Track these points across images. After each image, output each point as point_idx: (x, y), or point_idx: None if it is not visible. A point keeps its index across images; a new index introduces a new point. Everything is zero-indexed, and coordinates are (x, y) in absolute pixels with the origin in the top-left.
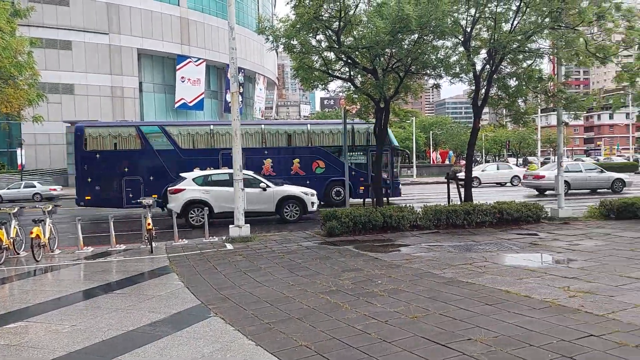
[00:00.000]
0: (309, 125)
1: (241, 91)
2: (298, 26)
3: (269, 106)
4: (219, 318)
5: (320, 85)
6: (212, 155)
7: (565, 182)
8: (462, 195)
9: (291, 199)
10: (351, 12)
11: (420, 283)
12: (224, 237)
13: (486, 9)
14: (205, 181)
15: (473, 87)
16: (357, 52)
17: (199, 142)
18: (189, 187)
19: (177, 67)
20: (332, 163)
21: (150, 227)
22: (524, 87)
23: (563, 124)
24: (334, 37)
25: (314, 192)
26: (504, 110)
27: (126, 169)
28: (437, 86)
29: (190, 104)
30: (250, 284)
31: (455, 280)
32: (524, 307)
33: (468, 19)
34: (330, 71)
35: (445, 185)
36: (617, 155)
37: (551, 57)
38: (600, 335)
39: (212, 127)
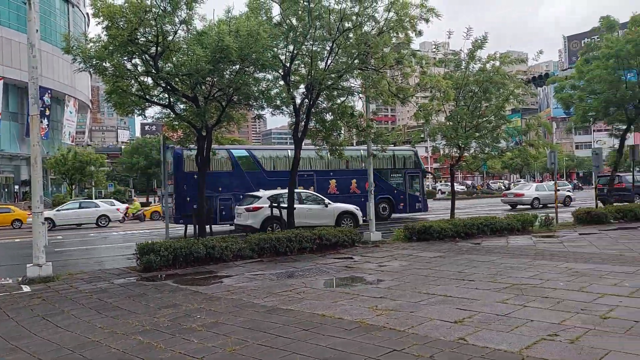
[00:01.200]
0: (361, 150)
1: (47, 114)
2: (111, 48)
3: (80, 130)
4: None
5: (137, 111)
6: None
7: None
8: (285, 223)
9: (347, 214)
10: (170, 38)
11: (240, 314)
12: (19, 278)
13: (303, 46)
14: (277, 200)
15: (294, 119)
16: (177, 79)
17: (278, 165)
18: (265, 205)
19: None
20: (379, 183)
21: None
22: (339, 122)
23: (372, 156)
24: (151, 62)
25: (359, 208)
26: (323, 142)
27: (220, 189)
28: (260, 117)
29: None
30: (50, 330)
31: (275, 309)
32: (338, 329)
33: (287, 54)
34: (148, 97)
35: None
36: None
37: (361, 95)
38: (401, 350)
39: (289, 152)
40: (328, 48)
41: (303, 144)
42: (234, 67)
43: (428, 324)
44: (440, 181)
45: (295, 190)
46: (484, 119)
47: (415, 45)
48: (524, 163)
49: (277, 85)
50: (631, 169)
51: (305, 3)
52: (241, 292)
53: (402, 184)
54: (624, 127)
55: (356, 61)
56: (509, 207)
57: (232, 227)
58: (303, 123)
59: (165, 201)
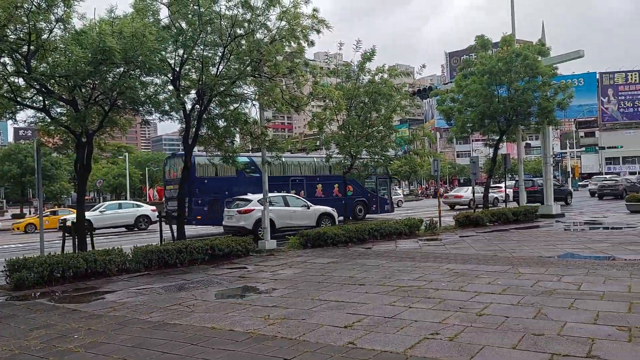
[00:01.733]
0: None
1: None
2: None
3: None
4: None
5: (7, 115)
6: (285, 181)
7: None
8: (175, 233)
9: (326, 215)
10: (45, 37)
11: (123, 332)
12: None
13: (194, 51)
14: (270, 202)
15: (184, 126)
16: (53, 81)
17: (275, 171)
18: (256, 207)
19: None
20: (357, 188)
21: None
22: (232, 129)
23: (266, 163)
24: (23, 62)
25: (335, 209)
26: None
27: (226, 192)
28: (147, 122)
29: None
30: None
31: (162, 324)
32: (228, 342)
33: (177, 58)
34: (19, 99)
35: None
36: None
37: (254, 102)
38: (292, 358)
39: (283, 159)
40: (220, 54)
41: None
42: (118, 70)
43: (319, 330)
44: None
45: (281, 194)
46: (374, 128)
47: (310, 55)
48: (411, 170)
49: (166, 90)
50: (505, 175)
51: (195, 7)
52: (125, 308)
53: (374, 188)
54: (497, 137)
55: (249, 68)
56: (448, 207)
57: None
58: (194, 129)
59: (40, 213)
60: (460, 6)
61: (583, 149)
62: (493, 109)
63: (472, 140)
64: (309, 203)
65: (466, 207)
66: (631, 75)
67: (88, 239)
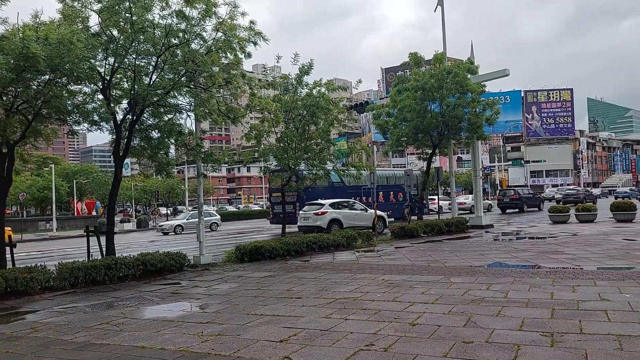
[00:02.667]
0: (394, 171)
1: None
2: None
3: None
4: None
5: None
6: (357, 189)
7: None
8: (104, 249)
9: (380, 218)
10: None
11: (46, 354)
12: None
13: (126, 59)
14: (335, 206)
15: (115, 137)
16: None
17: (351, 181)
18: (329, 210)
19: None
20: (405, 195)
21: None
22: (166, 140)
23: (202, 176)
24: None
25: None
26: (150, 161)
27: (322, 198)
28: (73, 133)
29: None
30: None
31: (88, 344)
32: None
33: (107, 67)
34: None
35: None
36: (254, 204)
37: (189, 113)
38: None
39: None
40: (153, 63)
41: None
42: (43, 78)
43: (255, 345)
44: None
45: (346, 200)
46: (312, 141)
47: (247, 66)
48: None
49: (96, 100)
50: (439, 188)
51: (127, 15)
52: (48, 328)
53: (416, 195)
54: (430, 151)
55: (184, 78)
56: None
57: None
58: (126, 140)
59: None
60: (395, 24)
61: (510, 162)
62: (426, 123)
63: (408, 154)
64: (366, 207)
65: (468, 211)
66: (553, 93)
67: (8, 255)
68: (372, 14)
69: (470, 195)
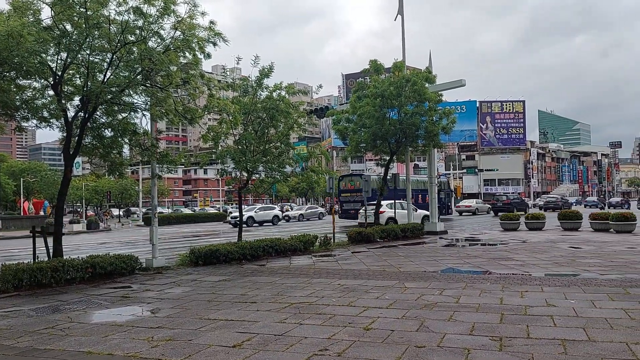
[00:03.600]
0: (425, 177)
1: None
2: None
3: None
4: None
5: None
6: (415, 192)
7: None
8: (51, 250)
9: (425, 216)
10: None
11: None
12: None
13: (79, 55)
14: (391, 207)
15: (65, 134)
16: None
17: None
18: (387, 210)
19: None
20: (442, 197)
21: None
22: (120, 139)
23: (157, 177)
24: None
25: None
26: (102, 161)
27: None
28: (22, 129)
29: None
30: None
31: (31, 349)
32: None
33: (59, 62)
34: None
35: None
36: (211, 206)
37: (145, 112)
38: None
39: (412, 177)
40: (108, 60)
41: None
42: None
43: (207, 350)
44: (232, 204)
45: (400, 201)
46: (271, 144)
47: (207, 67)
48: (308, 187)
49: (46, 95)
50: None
51: (82, 9)
52: None
53: (445, 198)
54: (388, 157)
55: (140, 77)
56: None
57: None
58: (77, 138)
59: None
60: (359, 31)
61: (464, 170)
62: (384, 130)
63: (366, 160)
64: (416, 208)
65: (471, 214)
66: (506, 104)
67: None
68: (335, 20)
69: (475, 200)
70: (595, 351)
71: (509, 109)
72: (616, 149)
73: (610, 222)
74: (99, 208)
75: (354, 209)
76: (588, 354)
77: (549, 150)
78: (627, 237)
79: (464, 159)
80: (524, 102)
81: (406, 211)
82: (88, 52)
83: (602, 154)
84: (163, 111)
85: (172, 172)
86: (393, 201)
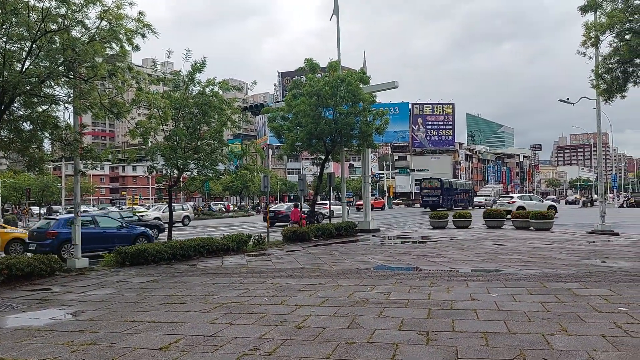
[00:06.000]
0: (465, 181)
1: None
2: None
3: None
4: None
5: None
6: (455, 192)
7: None
8: None
9: (552, 206)
10: None
11: None
12: None
13: None
14: (520, 198)
15: None
16: None
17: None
18: (517, 200)
19: None
20: (466, 194)
21: None
22: (40, 133)
23: (80, 173)
24: None
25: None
26: (20, 156)
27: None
28: None
29: None
30: None
31: None
32: None
33: None
34: None
35: None
36: (140, 205)
37: (68, 105)
38: None
39: (453, 180)
40: (27, 48)
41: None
42: None
43: (131, 354)
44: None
45: (526, 194)
46: (203, 141)
47: (137, 60)
48: (243, 186)
49: None
50: (331, 193)
51: None
52: None
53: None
54: (324, 157)
55: (61, 67)
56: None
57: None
58: None
59: None
60: (297, 30)
61: (397, 170)
62: (320, 129)
63: (302, 159)
64: (542, 199)
65: (483, 206)
66: (437, 107)
67: None
68: (275, 18)
69: (487, 195)
70: (514, 342)
71: (440, 112)
72: (537, 152)
73: (531, 221)
74: (17, 206)
75: (434, 200)
76: (508, 346)
77: (476, 152)
78: (545, 235)
79: (396, 160)
80: (453, 105)
81: (535, 202)
82: (5, 39)
83: (524, 156)
84: (87, 104)
85: (98, 168)
86: (521, 194)
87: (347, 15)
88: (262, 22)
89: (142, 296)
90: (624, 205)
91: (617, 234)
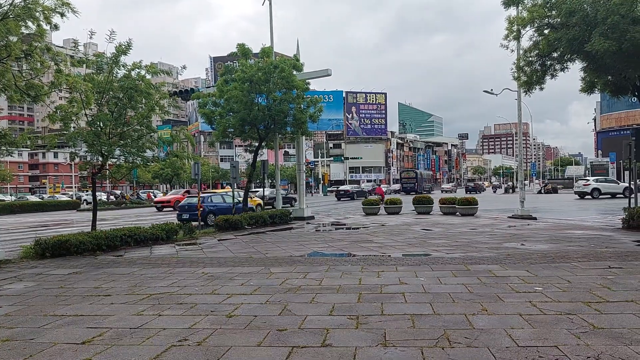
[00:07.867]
0: None
1: None
2: None
3: None
4: None
5: None
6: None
7: None
8: None
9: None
10: None
11: None
12: None
13: None
14: (596, 181)
15: None
16: None
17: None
18: (592, 183)
19: None
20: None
21: None
22: None
23: None
24: None
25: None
26: None
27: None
28: None
29: None
30: None
31: None
32: None
33: None
34: None
35: None
36: (62, 193)
37: None
38: None
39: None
40: None
41: None
42: None
43: (51, 350)
44: (86, 190)
45: (602, 177)
46: (130, 127)
47: (58, 41)
48: (173, 173)
49: None
50: (265, 180)
51: None
52: None
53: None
54: (257, 144)
55: None
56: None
57: None
58: None
59: None
60: (230, 15)
61: (332, 158)
62: (253, 116)
63: (235, 146)
64: (617, 181)
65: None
66: (370, 96)
67: None
68: (207, 1)
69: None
70: (439, 323)
71: (373, 101)
72: (464, 140)
73: (457, 206)
74: None
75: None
76: (433, 327)
77: (407, 141)
78: (470, 220)
79: (331, 147)
80: (385, 94)
81: (610, 184)
82: None
83: (452, 145)
84: (0, 86)
85: (14, 155)
86: (596, 178)
87: (286, 2)
88: (194, 5)
89: (64, 289)
90: (542, 192)
91: (535, 219)
